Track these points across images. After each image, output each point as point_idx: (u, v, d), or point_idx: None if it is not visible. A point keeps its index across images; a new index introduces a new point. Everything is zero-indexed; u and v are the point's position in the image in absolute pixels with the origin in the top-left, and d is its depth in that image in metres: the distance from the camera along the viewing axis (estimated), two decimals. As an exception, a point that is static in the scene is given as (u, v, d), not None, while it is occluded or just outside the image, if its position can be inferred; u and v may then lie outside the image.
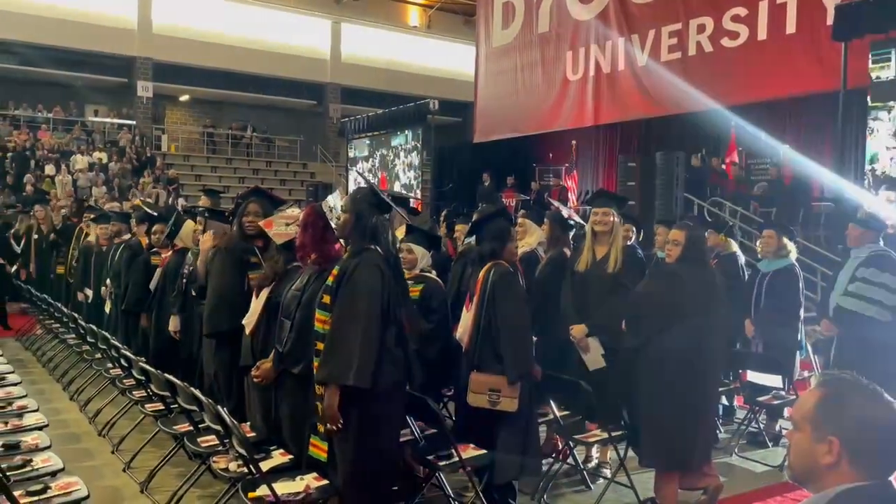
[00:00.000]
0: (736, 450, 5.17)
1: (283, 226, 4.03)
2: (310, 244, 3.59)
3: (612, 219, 4.41)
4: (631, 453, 4.14)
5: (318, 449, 3.32)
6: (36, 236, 10.00)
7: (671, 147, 12.28)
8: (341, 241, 3.51)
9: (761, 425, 5.43)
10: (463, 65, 21.72)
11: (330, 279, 3.25)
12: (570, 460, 4.50)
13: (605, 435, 4.06)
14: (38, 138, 19.31)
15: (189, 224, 5.74)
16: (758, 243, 5.82)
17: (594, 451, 4.70)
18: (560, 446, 4.65)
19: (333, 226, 3.49)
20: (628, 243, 5.15)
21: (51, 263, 9.84)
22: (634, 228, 5.68)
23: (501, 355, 3.65)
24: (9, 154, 18.13)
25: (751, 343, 5.55)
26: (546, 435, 4.78)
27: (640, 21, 13.13)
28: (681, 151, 11.43)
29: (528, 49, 15.58)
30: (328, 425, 3.11)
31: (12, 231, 10.73)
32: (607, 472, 4.49)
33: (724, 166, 13.06)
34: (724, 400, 5.72)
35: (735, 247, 6.02)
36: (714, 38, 11.83)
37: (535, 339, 4.04)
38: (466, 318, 3.84)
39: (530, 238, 5.12)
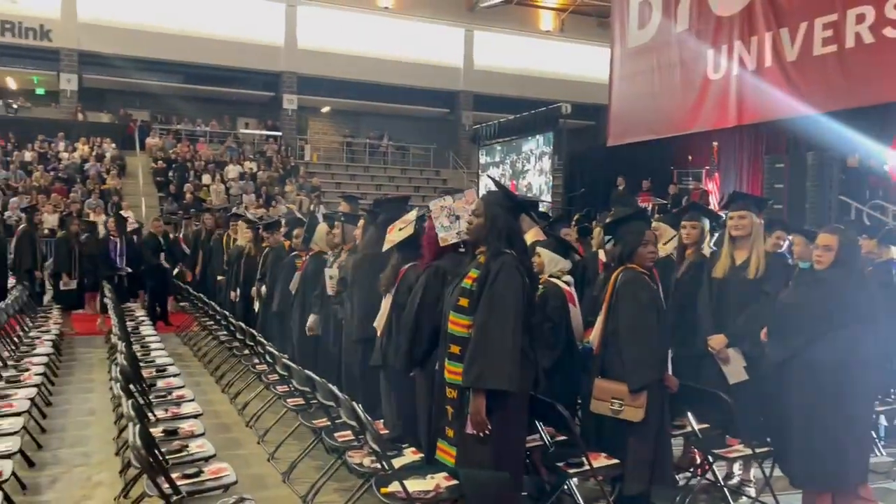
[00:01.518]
0: (899, 475, 4.71)
1: (398, 230, 4.11)
2: (425, 245, 3.69)
3: (749, 222, 4.18)
4: (777, 472, 3.88)
5: (446, 454, 3.35)
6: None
7: (824, 146, 11.42)
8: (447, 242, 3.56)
9: (930, 450, 4.92)
10: (596, 68, 21.32)
11: (467, 282, 3.27)
12: (709, 476, 4.28)
13: (748, 451, 3.83)
14: (197, 150, 20.95)
15: (322, 227, 6.02)
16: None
17: (736, 468, 4.44)
18: (698, 461, 4.43)
19: (436, 224, 3.56)
20: (779, 251, 4.85)
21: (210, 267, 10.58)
22: (786, 235, 5.32)
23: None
24: (172, 165, 19.80)
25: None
26: (683, 448, 4.58)
27: (791, 14, 12.30)
28: (835, 151, 10.60)
29: (665, 48, 15.04)
30: (475, 430, 3.13)
31: (182, 235, 11.64)
32: (751, 492, 4.23)
33: (886, 166, 11.97)
34: (883, 420, 5.23)
35: (895, 253, 5.51)
36: (875, 29, 10.87)
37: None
38: (597, 322, 3.77)
39: (665, 243, 4.93)
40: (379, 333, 4.06)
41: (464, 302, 3.24)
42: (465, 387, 3.16)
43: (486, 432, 3.11)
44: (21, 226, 10.59)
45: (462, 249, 3.70)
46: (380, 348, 4.06)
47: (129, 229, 11.60)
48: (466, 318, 3.22)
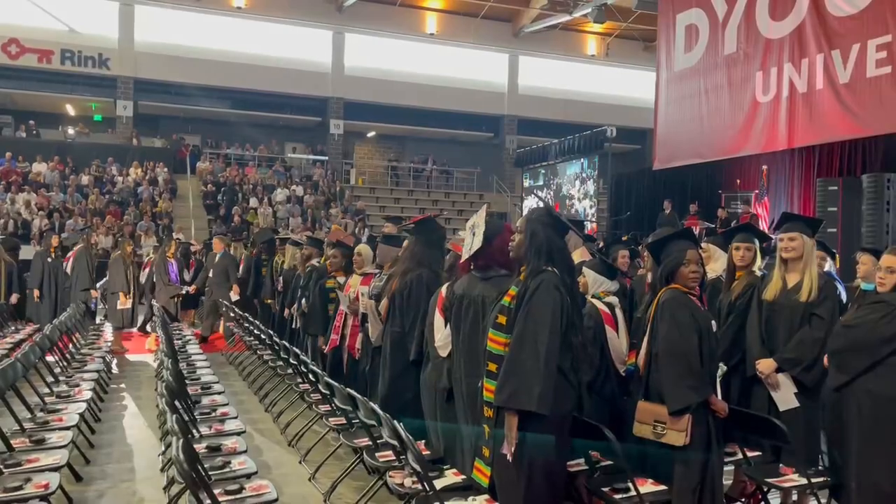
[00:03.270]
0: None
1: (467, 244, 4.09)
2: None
3: (799, 244, 4.05)
4: (835, 504, 3.71)
5: (482, 473, 3.30)
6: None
7: (880, 167, 11.08)
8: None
9: None
10: (642, 91, 21.27)
11: (506, 299, 3.23)
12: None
13: (804, 480, 3.67)
14: (245, 174, 21.40)
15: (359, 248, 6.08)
16: None
17: (792, 498, 4.26)
18: (749, 490, 4.27)
19: (465, 242, 3.56)
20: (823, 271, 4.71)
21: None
22: (828, 257, 5.19)
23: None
24: (221, 188, 20.25)
25: None
26: (734, 476, 4.42)
27: (842, 36, 12.08)
28: (892, 173, 10.27)
29: (712, 71, 14.88)
30: (502, 450, 3.08)
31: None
32: (806, 524, 4.05)
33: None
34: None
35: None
36: (932, 49, 10.60)
37: (723, 370, 3.76)
38: (644, 344, 3.68)
39: (715, 264, 4.83)
40: (445, 354, 3.93)
41: (502, 319, 3.20)
42: (496, 405, 3.12)
43: (511, 453, 3.05)
44: (78, 246, 10.90)
45: (471, 268, 3.69)
46: (447, 371, 3.89)
47: (193, 251, 11.88)
48: (504, 335, 3.17)
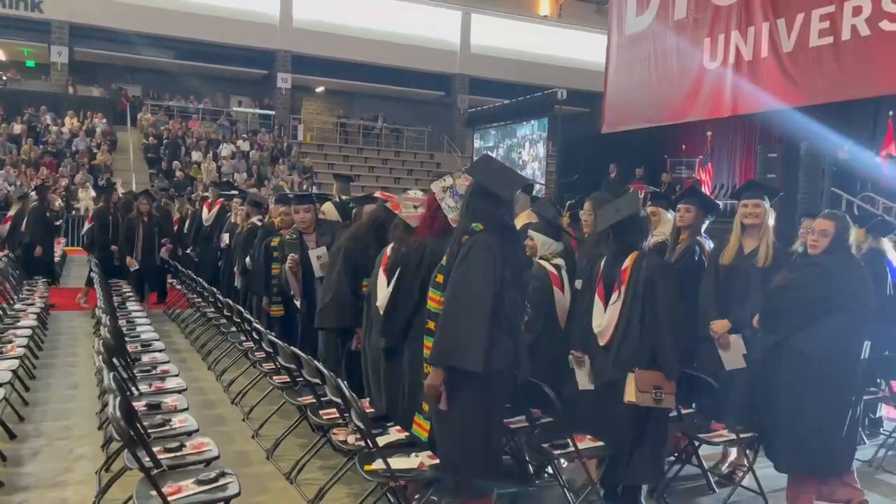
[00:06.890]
0: (883, 464, 4.74)
1: (412, 208, 4.05)
2: (422, 225, 3.66)
3: (763, 210, 4.16)
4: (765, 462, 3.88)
5: (421, 428, 3.36)
6: None
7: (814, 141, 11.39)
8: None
9: (913, 440, 4.93)
10: (593, 54, 21.26)
11: (445, 258, 3.24)
12: (693, 461, 4.28)
13: (733, 435, 3.83)
14: (189, 127, 20.77)
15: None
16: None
17: (731, 455, 4.42)
18: (682, 445, 4.43)
19: (443, 206, 3.51)
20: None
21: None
22: None
23: (656, 350, 3.51)
24: (164, 141, 19.63)
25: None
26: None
27: (788, 4, 12.27)
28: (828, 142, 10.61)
29: (662, 37, 14.96)
30: (439, 405, 3.12)
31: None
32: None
33: (878, 159, 11.99)
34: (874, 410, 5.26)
35: (885, 244, 5.51)
36: (871, 21, 10.83)
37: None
38: (608, 310, 3.67)
39: (663, 227, 4.91)
40: (382, 312, 3.95)
41: (440, 278, 3.22)
42: (428, 363, 3.15)
43: (442, 405, 3.09)
44: (33, 203, 10.67)
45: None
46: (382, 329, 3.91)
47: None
48: (441, 294, 3.19)
